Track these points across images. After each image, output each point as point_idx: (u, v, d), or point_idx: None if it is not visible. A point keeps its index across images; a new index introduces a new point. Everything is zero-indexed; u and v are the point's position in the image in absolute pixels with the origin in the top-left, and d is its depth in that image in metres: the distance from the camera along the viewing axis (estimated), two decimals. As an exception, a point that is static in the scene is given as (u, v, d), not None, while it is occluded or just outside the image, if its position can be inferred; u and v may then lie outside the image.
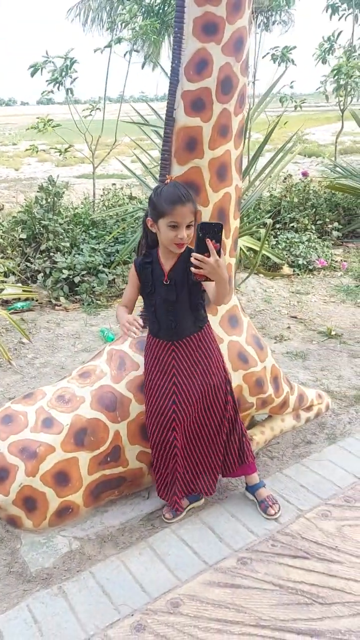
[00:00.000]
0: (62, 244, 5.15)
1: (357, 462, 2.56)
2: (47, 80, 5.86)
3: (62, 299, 4.73)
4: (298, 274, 5.48)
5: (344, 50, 7.72)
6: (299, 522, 2.20)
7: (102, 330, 4.16)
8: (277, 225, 6.22)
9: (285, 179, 6.82)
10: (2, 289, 4.51)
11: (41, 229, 5.22)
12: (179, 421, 2.12)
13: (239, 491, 2.41)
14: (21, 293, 4.54)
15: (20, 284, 4.84)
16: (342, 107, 7.80)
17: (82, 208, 6.13)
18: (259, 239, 5.28)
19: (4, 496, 2.13)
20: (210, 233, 1.74)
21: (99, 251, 5.16)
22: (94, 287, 4.78)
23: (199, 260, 1.75)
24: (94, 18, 14.87)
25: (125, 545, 2.14)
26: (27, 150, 6.51)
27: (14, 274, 4.90)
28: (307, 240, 5.84)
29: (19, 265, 5.04)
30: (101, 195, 6.66)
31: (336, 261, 5.79)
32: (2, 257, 5.06)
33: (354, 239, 6.67)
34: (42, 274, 4.92)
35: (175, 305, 2.03)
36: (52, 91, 6.00)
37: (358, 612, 1.81)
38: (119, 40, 6.33)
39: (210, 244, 1.74)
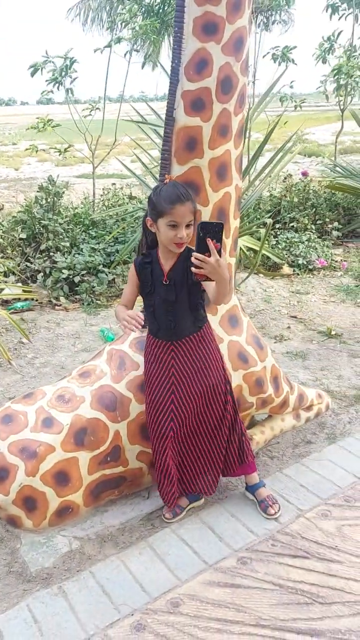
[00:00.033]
0: (62, 243, 5.15)
1: (357, 462, 2.56)
2: (46, 80, 5.86)
3: (62, 299, 4.73)
4: (298, 274, 5.48)
5: (344, 50, 7.71)
6: (299, 522, 2.20)
7: (102, 330, 4.16)
8: (277, 225, 6.22)
9: (285, 178, 6.82)
10: (2, 289, 4.51)
11: (41, 228, 5.22)
12: (177, 421, 2.12)
13: (239, 491, 2.41)
14: (21, 293, 4.54)
15: (20, 284, 4.85)
16: (342, 107, 7.80)
17: (82, 208, 6.12)
18: (259, 239, 5.28)
19: (4, 496, 2.13)
20: (210, 233, 1.73)
21: (99, 251, 5.16)
22: (94, 287, 4.78)
23: (199, 260, 1.74)
24: (93, 18, 14.88)
25: (125, 545, 2.14)
26: (26, 149, 6.51)
27: (14, 273, 4.90)
28: (307, 240, 5.84)
29: (18, 265, 5.04)
30: (101, 195, 6.66)
31: (336, 261, 5.79)
32: (2, 257, 5.06)
33: (354, 239, 6.67)
34: (42, 274, 4.92)
35: (174, 305, 2.03)
36: (52, 91, 6.00)
37: (358, 611, 1.81)
38: (119, 40, 6.33)
39: (211, 243, 1.73)
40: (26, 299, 4.68)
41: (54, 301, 4.72)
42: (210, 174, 2.23)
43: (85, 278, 4.85)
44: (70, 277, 4.83)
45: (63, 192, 5.61)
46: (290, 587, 1.91)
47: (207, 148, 2.19)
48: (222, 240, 1.76)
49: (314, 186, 6.78)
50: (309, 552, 2.05)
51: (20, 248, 5.24)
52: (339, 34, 7.76)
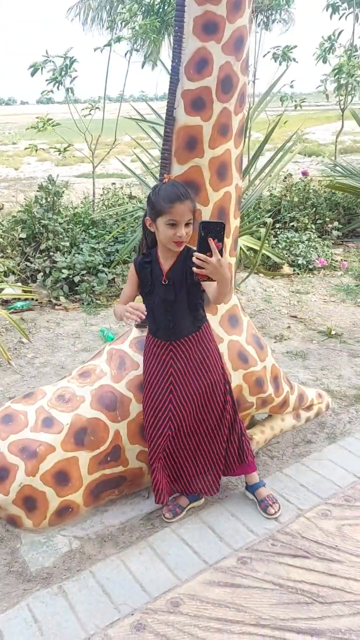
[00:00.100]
0: (62, 243, 5.15)
1: (357, 462, 2.56)
2: (47, 80, 5.86)
3: (62, 299, 4.73)
4: (298, 274, 5.48)
5: (344, 49, 7.71)
6: (299, 522, 2.20)
7: (102, 329, 4.16)
8: (277, 225, 6.22)
9: (285, 178, 6.82)
10: (2, 289, 4.51)
11: (41, 228, 5.22)
12: (175, 421, 2.12)
13: (239, 490, 2.41)
14: (21, 293, 4.54)
15: (20, 284, 4.84)
16: (342, 107, 7.79)
17: (81, 207, 6.12)
18: (259, 239, 5.28)
19: (4, 496, 2.13)
20: (212, 232, 1.71)
21: (99, 251, 5.16)
22: (94, 287, 4.78)
23: (201, 259, 1.72)
24: (94, 17, 14.88)
25: (125, 544, 2.14)
26: (26, 149, 6.51)
27: (13, 273, 4.90)
28: (307, 240, 5.84)
29: (18, 265, 5.04)
30: (101, 195, 6.66)
31: (336, 260, 5.79)
32: (2, 257, 5.06)
33: (354, 239, 6.67)
34: (41, 274, 4.92)
35: (173, 306, 2.03)
36: (52, 91, 6.00)
37: (358, 611, 1.81)
38: (119, 39, 6.33)
39: (212, 243, 1.70)
40: (26, 299, 4.68)
41: (54, 301, 4.72)
42: (210, 173, 2.23)
43: (85, 278, 4.85)
44: (70, 276, 4.83)
45: (63, 192, 5.61)
46: (291, 587, 1.91)
47: (207, 147, 2.19)
48: (223, 240, 1.74)
49: (314, 186, 6.78)
50: (309, 552, 2.05)
51: (20, 248, 5.24)
52: (339, 33, 7.76)
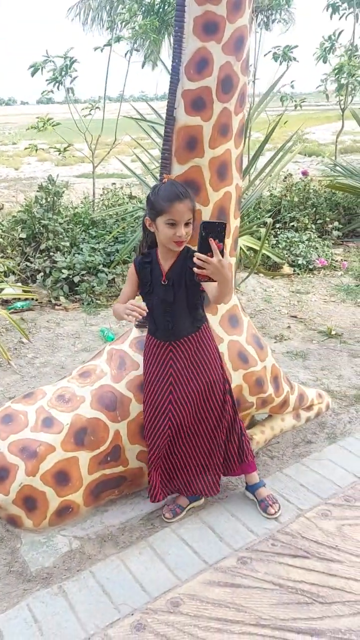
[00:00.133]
0: (62, 243, 5.15)
1: (357, 462, 2.56)
2: (47, 80, 5.86)
3: (62, 299, 4.73)
4: (298, 274, 5.48)
5: (345, 49, 7.70)
6: (299, 522, 2.20)
7: (102, 329, 4.16)
8: (277, 225, 6.22)
9: (285, 178, 6.82)
10: (2, 289, 4.51)
11: (41, 228, 5.22)
12: (175, 421, 2.12)
13: (239, 490, 2.41)
14: (21, 293, 4.54)
15: (20, 284, 4.84)
16: (342, 107, 7.79)
17: (82, 207, 6.12)
18: (259, 239, 5.28)
19: (4, 495, 2.13)
20: (213, 232, 1.69)
21: (99, 251, 5.16)
22: (94, 287, 4.78)
23: (202, 260, 1.71)
24: (94, 17, 14.90)
25: (125, 544, 2.14)
26: (26, 149, 6.51)
27: (13, 273, 4.90)
28: (307, 240, 5.84)
29: (18, 265, 5.04)
30: (101, 195, 6.66)
31: (336, 260, 5.79)
32: (2, 257, 5.06)
33: (354, 239, 6.67)
34: (42, 274, 4.92)
35: (172, 306, 2.02)
36: (52, 91, 6.00)
37: (358, 611, 1.81)
38: (118, 39, 6.33)
39: (213, 243, 1.69)
40: (26, 299, 4.68)
41: (54, 301, 4.72)
42: (210, 173, 2.23)
43: (85, 278, 4.85)
44: (70, 276, 4.83)
45: (63, 192, 5.61)
46: (291, 587, 1.91)
47: (207, 147, 2.19)
48: (224, 240, 1.73)
49: (314, 186, 6.78)
50: (309, 552, 2.05)
51: (20, 248, 5.24)
52: (339, 33, 7.75)
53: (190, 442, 2.20)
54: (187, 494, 2.28)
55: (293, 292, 5.04)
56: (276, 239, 5.89)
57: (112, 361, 2.39)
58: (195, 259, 1.72)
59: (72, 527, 2.22)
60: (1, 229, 5.28)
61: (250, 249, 5.09)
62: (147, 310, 1.93)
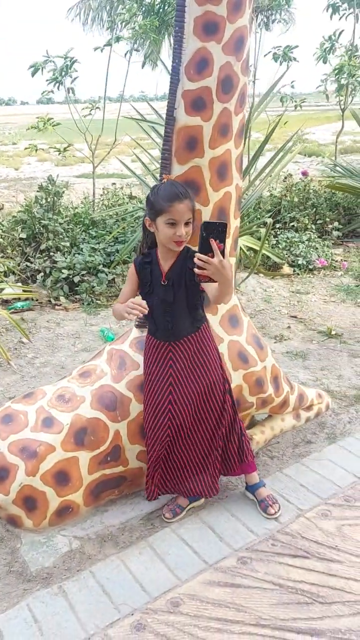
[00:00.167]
0: (62, 243, 5.15)
1: (357, 462, 2.56)
2: (47, 80, 5.86)
3: (62, 299, 4.73)
4: (298, 274, 5.48)
5: (345, 49, 7.70)
6: (299, 522, 2.20)
7: (102, 329, 4.16)
8: (277, 225, 6.22)
9: (285, 178, 6.82)
10: (2, 289, 4.51)
11: (41, 228, 5.22)
12: (175, 421, 2.12)
13: (239, 490, 2.41)
14: (21, 293, 4.54)
15: (20, 284, 4.84)
16: (342, 107, 7.79)
17: (82, 208, 6.12)
18: (259, 239, 5.28)
19: (4, 495, 2.13)
20: (214, 233, 1.69)
21: (99, 251, 5.16)
22: (94, 287, 4.78)
23: (202, 260, 1.70)
24: (94, 17, 14.88)
25: (125, 544, 2.14)
26: (26, 149, 6.51)
27: (13, 273, 4.90)
28: (307, 240, 5.84)
29: (19, 265, 5.04)
30: (101, 195, 6.66)
31: (336, 261, 5.79)
32: (2, 257, 5.06)
33: (354, 239, 6.67)
34: (42, 274, 4.92)
35: (172, 306, 2.02)
36: (52, 91, 6.00)
37: (358, 611, 1.81)
38: (118, 39, 6.33)
39: (214, 244, 1.68)
40: (26, 299, 4.68)
41: (54, 301, 4.72)
42: (210, 173, 2.23)
43: (85, 278, 4.85)
44: (70, 277, 4.83)
45: (63, 192, 5.61)
46: (291, 587, 1.91)
47: (207, 147, 2.19)
48: (225, 241, 1.72)
49: (314, 186, 6.78)
50: (309, 552, 2.05)
51: (20, 248, 5.24)
52: (339, 33, 7.75)
53: (190, 442, 2.20)
54: (186, 495, 2.28)
55: (293, 292, 5.04)
56: (276, 239, 5.89)
57: (112, 361, 2.39)
58: (195, 260, 1.72)
59: (72, 527, 2.23)
60: (1, 229, 5.28)
61: (250, 249, 5.09)
62: (148, 308, 1.92)
